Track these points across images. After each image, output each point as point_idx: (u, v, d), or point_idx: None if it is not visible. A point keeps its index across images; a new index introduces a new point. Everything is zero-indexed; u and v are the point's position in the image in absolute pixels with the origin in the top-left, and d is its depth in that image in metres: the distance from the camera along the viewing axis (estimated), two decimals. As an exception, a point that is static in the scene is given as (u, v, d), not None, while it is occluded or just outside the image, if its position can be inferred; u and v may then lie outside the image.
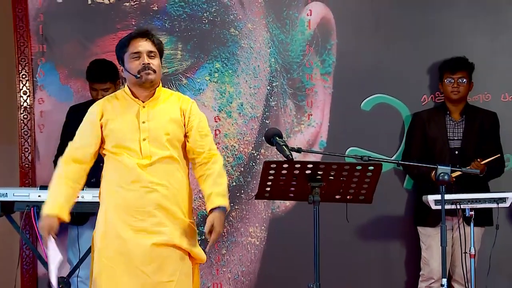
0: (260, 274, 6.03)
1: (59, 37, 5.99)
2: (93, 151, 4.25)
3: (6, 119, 6.14)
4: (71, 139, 5.45)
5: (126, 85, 4.31)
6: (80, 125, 4.33)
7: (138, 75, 4.16)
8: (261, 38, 6.07)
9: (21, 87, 5.95)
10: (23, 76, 5.95)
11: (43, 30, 5.99)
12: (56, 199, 4.18)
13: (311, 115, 6.09)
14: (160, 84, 4.30)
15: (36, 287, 5.93)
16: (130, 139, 4.18)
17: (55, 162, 5.79)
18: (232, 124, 6.04)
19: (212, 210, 4.18)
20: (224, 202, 4.19)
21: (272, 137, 4.29)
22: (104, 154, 4.30)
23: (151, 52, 4.20)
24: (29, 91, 5.95)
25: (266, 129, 5.61)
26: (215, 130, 6.00)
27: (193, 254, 4.31)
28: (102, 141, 4.25)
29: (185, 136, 4.28)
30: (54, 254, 4.16)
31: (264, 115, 6.06)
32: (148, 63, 4.16)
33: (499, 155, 5.64)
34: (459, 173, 5.43)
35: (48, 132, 5.94)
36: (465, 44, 6.08)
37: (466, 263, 5.36)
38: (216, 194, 4.19)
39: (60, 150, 5.75)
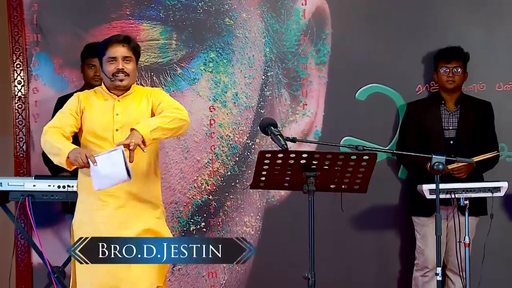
0: (255, 263, 6.03)
1: (54, 27, 5.97)
2: (71, 131, 4.49)
3: (0, 109, 6.12)
4: None
5: (102, 83, 4.63)
6: (60, 110, 4.59)
7: (112, 78, 4.50)
8: (256, 28, 6.06)
9: (15, 77, 5.94)
10: (18, 66, 5.93)
11: (38, 20, 5.97)
12: (65, 141, 4.40)
13: (306, 104, 6.09)
14: (135, 83, 4.62)
15: (31, 276, 5.92)
16: (104, 129, 4.49)
17: (43, 156, 5.78)
18: (227, 114, 6.03)
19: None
20: (143, 131, 4.29)
21: (267, 126, 4.30)
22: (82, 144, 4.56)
23: (126, 57, 4.53)
24: (24, 81, 5.94)
25: (261, 118, 5.61)
26: (210, 119, 6.00)
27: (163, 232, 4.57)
28: (80, 128, 4.54)
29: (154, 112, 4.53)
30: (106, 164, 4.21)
31: (259, 105, 6.06)
32: (122, 68, 4.50)
33: (496, 152, 5.63)
34: (455, 165, 5.45)
35: (43, 122, 5.89)
36: (460, 34, 6.07)
37: (460, 252, 5.38)
38: (145, 123, 4.35)
39: None
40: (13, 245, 5.80)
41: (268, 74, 6.06)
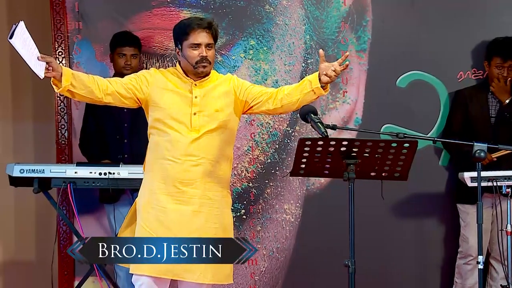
0: (295, 250, 6.04)
1: (95, 14, 6.01)
2: (118, 91, 4.32)
3: (43, 96, 6.18)
4: (93, 121, 5.48)
5: (177, 65, 4.47)
6: (134, 75, 4.44)
7: (196, 66, 4.36)
8: (296, 15, 6.05)
9: (57, 65, 5.98)
10: (60, 54, 5.98)
11: (79, 7, 6.01)
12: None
13: (346, 92, 6.07)
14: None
15: (73, 262, 5.98)
16: (182, 112, 4.35)
17: (80, 146, 5.83)
18: (267, 101, 6.02)
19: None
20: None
21: (307, 114, 4.29)
22: (151, 133, 4.42)
23: (209, 44, 4.39)
24: (66, 68, 5.98)
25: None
26: (250, 107, 6.00)
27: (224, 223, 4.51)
28: (137, 100, 4.38)
29: (245, 102, 4.43)
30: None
31: (299, 92, 6.04)
32: (206, 56, 4.36)
33: None
34: (502, 153, 5.39)
35: (84, 109, 5.97)
36: (502, 20, 6.01)
37: (503, 241, 5.34)
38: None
39: (83, 133, 5.81)
40: (55, 231, 5.86)
41: (308, 61, 6.05)
